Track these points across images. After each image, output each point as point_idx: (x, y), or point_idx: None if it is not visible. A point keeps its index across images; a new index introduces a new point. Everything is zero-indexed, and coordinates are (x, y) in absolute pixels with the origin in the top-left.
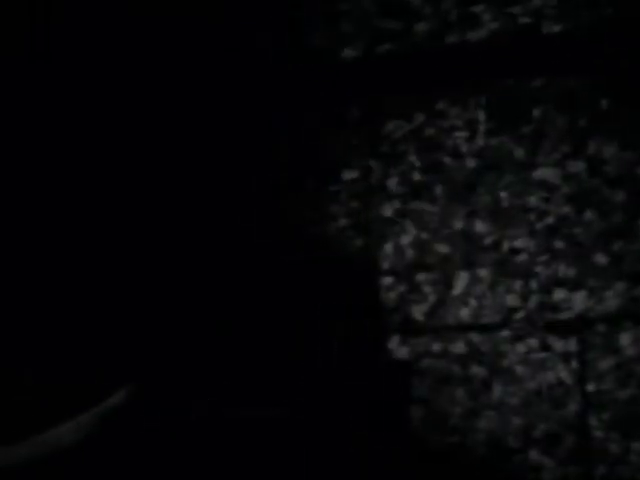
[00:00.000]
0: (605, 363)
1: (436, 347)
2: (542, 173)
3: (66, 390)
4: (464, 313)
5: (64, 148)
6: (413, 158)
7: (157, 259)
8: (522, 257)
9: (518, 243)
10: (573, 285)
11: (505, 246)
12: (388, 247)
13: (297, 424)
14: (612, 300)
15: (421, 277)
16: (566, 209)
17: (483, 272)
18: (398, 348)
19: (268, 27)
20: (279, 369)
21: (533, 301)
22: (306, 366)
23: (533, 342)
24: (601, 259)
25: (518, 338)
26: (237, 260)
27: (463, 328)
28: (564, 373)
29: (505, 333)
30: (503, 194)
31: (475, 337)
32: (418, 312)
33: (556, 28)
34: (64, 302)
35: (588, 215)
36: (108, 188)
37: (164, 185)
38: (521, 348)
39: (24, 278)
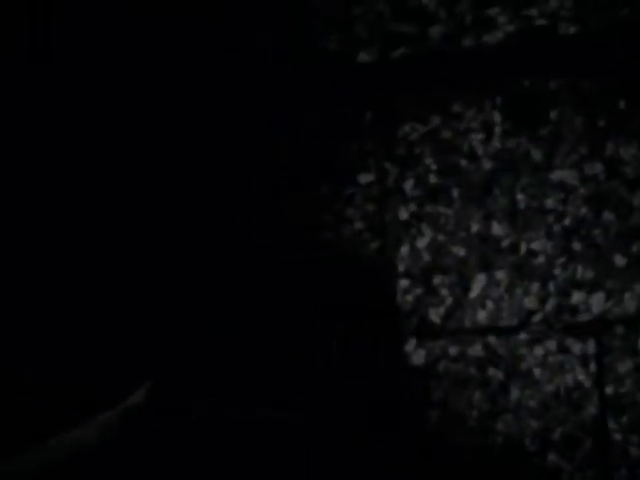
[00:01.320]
0: (624, 366)
1: (453, 350)
2: (559, 175)
3: (66, 390)
4: (481, 316)
5: (64, 148)
6: (429, 161)
7: (158, 259)
8: (540, 259)
9: (535, 245)
10: (591, 287)
11: (522, 248)
12: (404, 250)
13: (298, 426)
14: (631, 302)
15: (438, 280)
16: (584, 211)
17: (500, 275)
18: (415, 351)
19: (269, 27)
20: (282, 371)
21: (551, 303)
22: (310, 368)
23: (551, 345)
24: (619, 261)
25: (536, 341)
26: (238, 260)
27: (480, 331)
28: (582, 376)
29: (523, 336)
30: (520, 196)
31: (492, 340)
32: (435, 315)
33: (572, 30)
34: (63, 302)
35: (606, 217)
36: (109, 188)
37: (165, 185)
38: (539, 351)
39: (25, 278)
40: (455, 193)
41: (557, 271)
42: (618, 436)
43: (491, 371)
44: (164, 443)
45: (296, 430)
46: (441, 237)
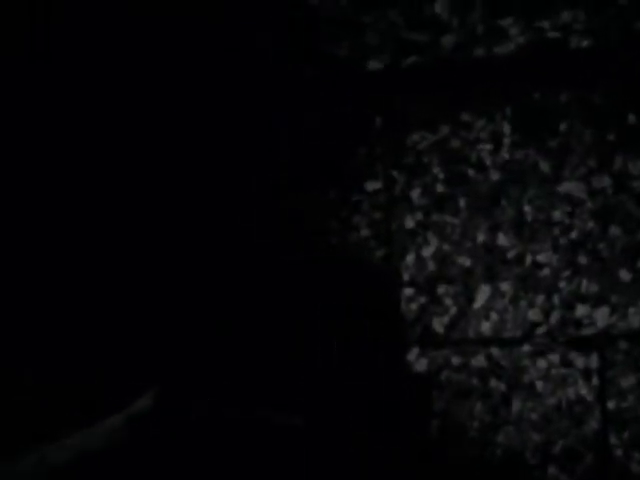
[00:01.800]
0: (626, 381)
1: (456, 360)
2: (567, 187)
3: (66, 391)
4: (485, 327)
5: (64, 148)
6: (437, 170)
7: (159, 259)
8: (545, 272)
9: (541, 257)
10: (596, 301)
11: (528, 260)
12: (410, 258)
13: (298, 426)
14: (635, 317)
15: (442, 289)
16: (591, 224)
17: (505, 286)
18: (417, 360)
19: (269, 27)
20: (282, 372)
21: (555, 316)
22: (311, 370)
23: (554, 358)
24: (625, 275)
25: (539, 353)
26: (238, 260)
27: (484, 342)
28: (585, 390)
29: (526, 348)
30: (527, 208)
31: (495, 351)
32: (439, 324)
33: (585, 43)
34: (62, 302)
35: (613, 231)
36: (110, 189)
37: (165, 186)
38: (542, 363)
39: (26, 278)
40: (462, 203)
41: (562, 284)
42: (619, 452)
43: (493, 382)
44: (164, 444)
45: (296, 430)
46: (447, 246)
